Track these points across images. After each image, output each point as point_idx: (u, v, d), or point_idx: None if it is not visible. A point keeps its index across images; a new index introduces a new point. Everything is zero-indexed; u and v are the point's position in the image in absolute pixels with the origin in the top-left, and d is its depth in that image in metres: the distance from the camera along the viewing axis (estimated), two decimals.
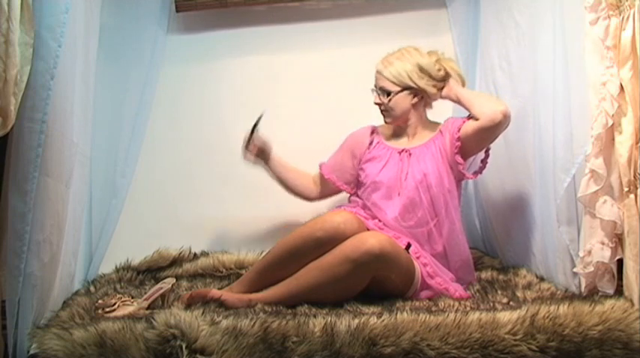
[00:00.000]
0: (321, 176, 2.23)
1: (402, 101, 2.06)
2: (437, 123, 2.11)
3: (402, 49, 2.09)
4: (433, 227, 1.99)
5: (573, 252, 1.77)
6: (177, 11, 2.50)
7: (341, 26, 2.59)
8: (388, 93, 2.05)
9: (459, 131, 2.00)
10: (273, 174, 2.26)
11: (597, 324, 1.54)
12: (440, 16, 2.61)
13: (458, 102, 2.06)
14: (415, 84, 2.03)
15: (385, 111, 2.09)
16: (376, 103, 2.09)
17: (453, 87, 2.07)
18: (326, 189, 2.25)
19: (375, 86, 2.09)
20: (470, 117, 2.01)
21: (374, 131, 2.19)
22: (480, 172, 2.09)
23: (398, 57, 2.06)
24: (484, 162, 2.09)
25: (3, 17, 1.41)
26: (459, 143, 2.00)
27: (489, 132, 1.96)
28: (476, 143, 2.01)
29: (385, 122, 2.12)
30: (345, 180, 2.19)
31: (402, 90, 2.04)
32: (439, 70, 2.06)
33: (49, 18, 1.57)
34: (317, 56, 2.60)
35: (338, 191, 2.24)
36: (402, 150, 2.08)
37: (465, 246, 2.05)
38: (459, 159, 2.01)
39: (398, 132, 2.14)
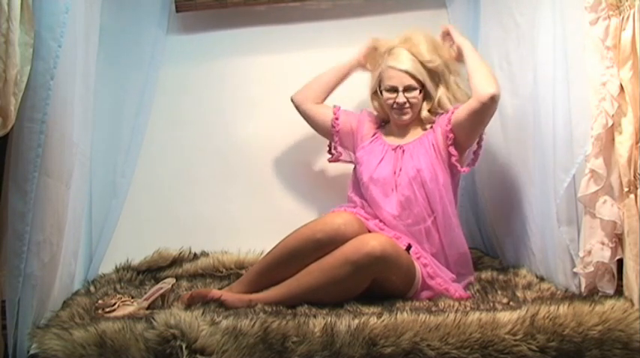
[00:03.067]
0: (332, 110, 2.23)
1: (420, 97, 2.07)
2: (430, 120, 2.10)
3: (407, 45, 2.08)
4: (431, 224, 1.99)
5: (573, 252, 1.77)
6: (177, 11, 2.51)
7: (341, 26, 2.59)
8: (419, 89, 2.05)
9: (449, 122, 2.01)
10: (333, 74, 2.28)
11: (597, 324, 1.54)
12: (440, 16, 2.60)
13: (460, 52, 2.09)
14: (430, 82, 2.06)
15: (409, 108, 2.06)
16: (401, 102, 2.04)
17: (456, 37, 2.12)
18: (320, 113, 2.25)
19: (394, 87, 2.04)
20: (456, 107, 2.04)
21: (381, 126, 2.21)
22: (473, 164, 2.09)
23: (411, 57, 2.06)
24: (476, 154, 2.08)
25: (3, 17, 1.41)
26: (451, 134, 2.00)
27: (478, 113, 1.96)
28: (469, 128, 2.00)
29: (401, 121, 2.09)
30: (341, 129, 2.20)
31: (423, 86, 2.06)
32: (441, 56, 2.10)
33: (49, 18, 1.57)
34: (317, 56, 2.59)
35: (322, 128, 2.26)
36: (397, 147, 2.09)
37: (462, 240, 2.05)
38: (452, 150, 2.01)
39: (394, 130, 2.14)
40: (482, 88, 1.93)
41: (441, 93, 2.08)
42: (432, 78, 2.06)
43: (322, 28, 2.60)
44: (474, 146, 2.08)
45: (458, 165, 2.02)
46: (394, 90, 2.04)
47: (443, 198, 2.00)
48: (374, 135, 2.17)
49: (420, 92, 2.05)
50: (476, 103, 1.94)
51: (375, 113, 2.22)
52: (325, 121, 2.23)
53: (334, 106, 2.25)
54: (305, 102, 2.27)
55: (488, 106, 1.93)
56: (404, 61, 2.03)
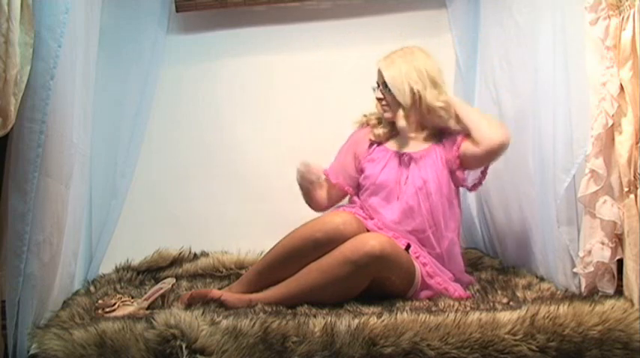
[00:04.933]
0: (328, 182, 2.16)
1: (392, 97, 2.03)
2: (439, 129, 2.06)
3: (405, 48, 2.06)
4: (431, 235, 1.97)
5: (573, 252, 1.77)
6: (177, 11, 2.51)
7: (341, 26, 2.60)
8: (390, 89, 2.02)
9: (458, 149, 1.99)
10: (308, 187, 2.14)
11: (597, 324, 1.54)
12: (440, 16, 2.61)
13: (457, 118, 2.00)
14: (411, 87, 1.98)
15: (387, 106, 2.06)
16: (378, 98, 2.07)
17: (452, 101, 2.03)
18: (334, 195, 2.19)
19: (377, 82, 2.07)
20: (464, 139, 1.99)
21: (377, 126, 2.16)
22: (480, 184, 2.08)
23: (400, 55, 2.04)
24: (484, 173, 2.07)
25: (3, 17, 1.41)
26: (458, 161, 2.00)
27: (486, 160, 1.99)
28: (474, 165, 2.02)
29: (385, 117, 2.08)
30: (352, 184, 2.14)
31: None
32: (439, 75, 2.03)
33: (49, 18, 1.57)
34: (317, 56, 2.60)
35: (345, 195, 2.17)
36: (403, 154, 2.07)
37: (459, 259, 2.04)
38: (459, 174, 2.02)
39: (399, 136, 2.13)
40: (489, 138, 1.91)
41: (427, 99, 1.99)
42: (411, 83, 1.98)
43: (322, 28, 2.60)
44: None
45: (467, 185, 2.06)
46: (376, 86, 2.07)
47: (445, 212, 1.99)
48: (371, 145, 2.13)
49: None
50: (482, 152, 1.92)
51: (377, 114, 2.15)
52: (340, 192, 2.16)
53: (325, 174, 2.15)
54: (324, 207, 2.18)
55: (496, 154, 1.94)
56: (383, 59, 2.05)
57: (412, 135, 2.07)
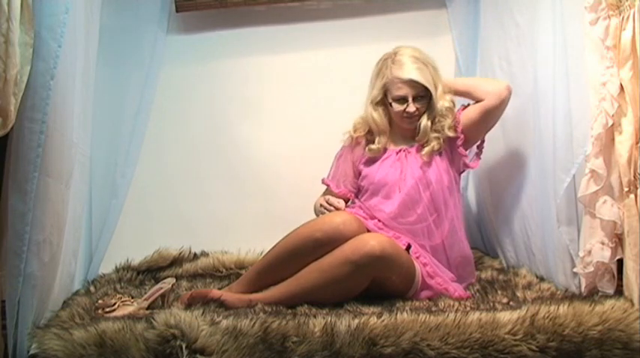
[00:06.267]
0: (331, 192, 2.16)
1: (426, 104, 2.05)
2: (426, 132, 2.05)
3: (409, 48, 2.05)
4: (432, 223, 1.99)
5: (573, 252, 1.77)
6: (177, 11, 2.51)
7: (341, 26, 2.60)
8: (428, 97, 2.01)
9: (459, 123, 2.02)
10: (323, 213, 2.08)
11: (597, 324, 1.54)
12: (440, 16, 2.61)
13: (455, 92, 2.08)
14: (435, 89, 2.01)
15: (416, 116, 2.03)
16: (411, 112, 2.00)
17: (446, 80, 2.10)
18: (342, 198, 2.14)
19: (405, 96, 2.00)
20: (464, 108, 2.06)
21: (370, 137, 2.14)
22: (479, 158, 2.11)
23: (418, 59, 2.01)
24: (480, 147, 2.11)
25: (3, 17, 1.41)
26: (462, 135, 2.02)
27: (495, 111, 2.01)
28: (480, 127, 2.04)
29: (407, 127, 2.06)
30: (355, 189, 2.15)
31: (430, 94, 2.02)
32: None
33: (49, 18, 1.57)
34: (317, 56, 2.60)
35: (349, 201, 2.16)
36: (400, 150, 2.08)
37: (465, 244, 2.06)
38: (461, 151, 2.03)
39: (398, 135, 2.12)
40: (495, 87, 2.00)
41: (442, 101, 2.03)
42: (437, 84, 2.02)
43: (322, 28, 2.60)
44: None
45: (469, 164, 2.07)
46: (404, 100, 2.01)
47: (447, 199, 2.00)
48: (366, 155, 2.13)
49: (429, 99, 2.02)
50: (494, 100, 1.98)
51: (370, 124, 2.10)
52: (347, 193, 2.14)
53: (327, 184, 2.18)
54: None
55: (507, 100, 1.99)
56: (411, 69, 1.99)
57: (412, 131, 2.07)
